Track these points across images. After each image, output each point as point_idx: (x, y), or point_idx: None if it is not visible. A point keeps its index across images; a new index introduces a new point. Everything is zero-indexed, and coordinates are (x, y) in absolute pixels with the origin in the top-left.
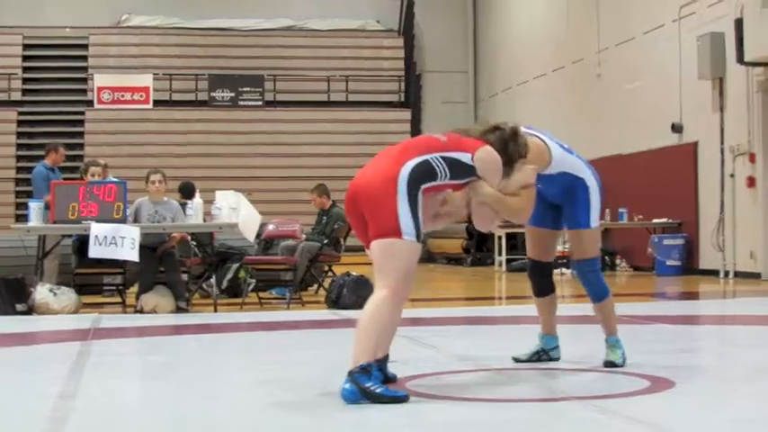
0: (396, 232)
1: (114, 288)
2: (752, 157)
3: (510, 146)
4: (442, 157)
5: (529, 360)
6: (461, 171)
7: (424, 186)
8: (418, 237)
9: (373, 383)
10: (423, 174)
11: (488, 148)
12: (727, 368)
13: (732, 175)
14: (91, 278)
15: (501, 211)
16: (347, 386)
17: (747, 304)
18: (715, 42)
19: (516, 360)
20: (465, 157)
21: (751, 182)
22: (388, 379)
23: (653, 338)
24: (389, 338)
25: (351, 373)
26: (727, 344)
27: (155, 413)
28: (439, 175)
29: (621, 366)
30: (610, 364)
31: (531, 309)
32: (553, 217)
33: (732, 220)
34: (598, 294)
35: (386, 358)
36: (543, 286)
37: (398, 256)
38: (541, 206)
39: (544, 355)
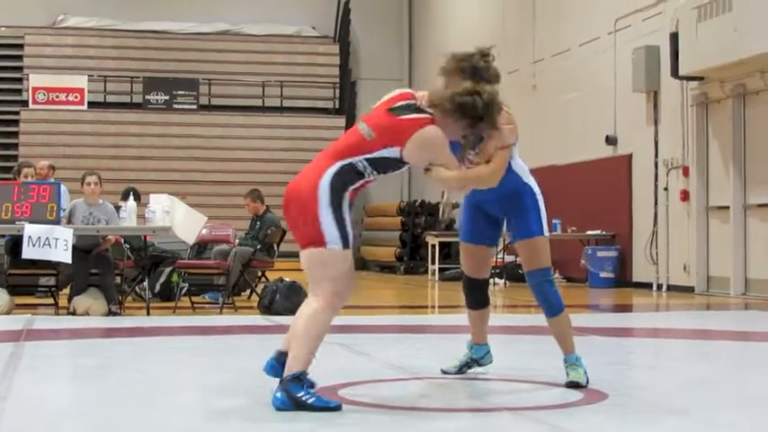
0: (320, 242)
1: (47, 289)
2: (685, 171)
3: (485, 110)
4: (367, 159)
5: (458, 372)
6: (391, 166)
7: (350, 189)
8: (346, 243)
9: (305, 393)
10: (345, 178)
11: (421, 134)
12: (661, 381)
13: (666, 189)
14: (24, 279)
15: (471, 186)
16: (278, 395)
17: (680, 317)
18: (650, 55)
19: (444, 372)
20: (394, 152)
21: (684, 195)
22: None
23: (586, 350)
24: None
25: (282, 382)
26: (660, 357)
27: (87, 416)
28: (366, 174)
29: (585, 386)
30: (573, 385)
31: (464, 318)
32: (490, 234)
33: (666, 233)
34: (554, 308)
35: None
36: (478, 300)
37: (326, 265)
38: (479, 222)
39: (474, 363)
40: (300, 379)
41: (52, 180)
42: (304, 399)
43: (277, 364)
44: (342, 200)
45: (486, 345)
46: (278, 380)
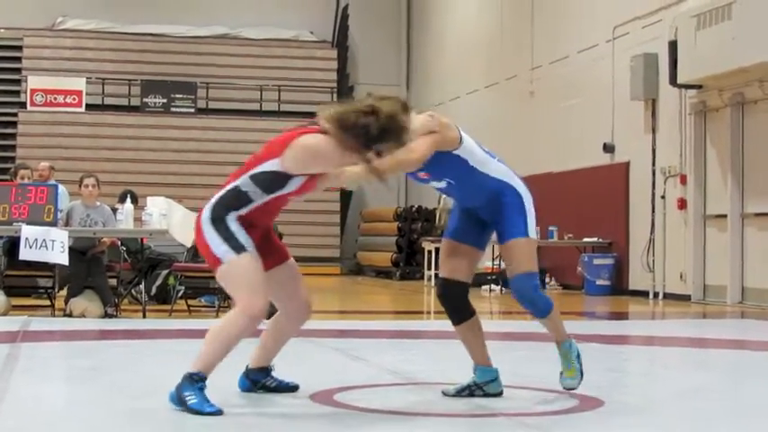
0: (216, 262)
1: (44, 291)
2: (683, 179)
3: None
4: (251, 177)
5: (457, 395)
6: (275, 182)
7: (236, 213)
8: (237, 249)
9: (191, 392)
10: (227, 207)
11: (299, 141)
12: (656, 388)
13: (663, 197)
14: (20, 280)
15: (388, 173)
16: (173, 390)
17: (676, 326)
18: (648, 63)
19: (445, 394)
20: (274, 164)
21: (682, 204)
22: (288, 387)
23: (583, 357)
24: (275, 349)
25: (182, 378)
26: (655, 364)
27: (82, 418)
28: (252, 196)
29: (576, 387)
30: (568, 387)
31: None
32: (477, 233)
33: (662, 241)
34: (542, 310)
35: (268, 369)
36: (460, 311)
37: (230, 276)
38: (467, 222)
39: (477, 389)
40: (195, 379)
41: (53, 181)
42: (186, 398)
43: (247, 379)
44: (227, 220)
45: (491, 368)
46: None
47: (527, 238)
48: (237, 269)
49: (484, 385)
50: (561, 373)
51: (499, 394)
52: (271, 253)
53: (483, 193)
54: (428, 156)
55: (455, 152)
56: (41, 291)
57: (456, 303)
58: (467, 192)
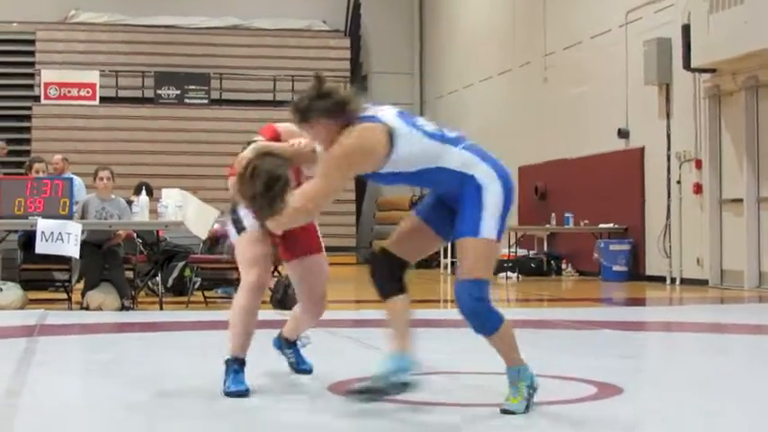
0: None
1: (60, 284)
2: (698, 164)
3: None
4: None
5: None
6: None
7: None
8: (241, 229)
9: (226, 377)
10: None
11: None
12: (675, 375)
13: (679, 182)
14: (36, 273)
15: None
16: None
17: (694, 311)
18: (662, 48)
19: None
20: None
21: (698, 188)
22: (301, 370)
23: (599, 344)
24: (297, 328)
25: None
26: (674, 351)
27: (99, 411)
28: None
29: (517, 413)
30: (506, 411)
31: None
32: (443, 220)
33: (679, 226)
34: (486, 327)
35: (291, 342)
36: (391, 283)
37: (237, 256)
38: (438, 207)
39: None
40: (227, 363)
41: (68, 173)
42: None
43: (278, 340)
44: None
45: (405, 356)
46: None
47: (478, 238)
48: (238, 247)
49: (391, 374)
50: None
51: (406, 386)
52: (295, 244)
53: (443, 186)
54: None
55: (385, 170)
56: (58, 284)
57: (389, 274)
58: (429, 185)
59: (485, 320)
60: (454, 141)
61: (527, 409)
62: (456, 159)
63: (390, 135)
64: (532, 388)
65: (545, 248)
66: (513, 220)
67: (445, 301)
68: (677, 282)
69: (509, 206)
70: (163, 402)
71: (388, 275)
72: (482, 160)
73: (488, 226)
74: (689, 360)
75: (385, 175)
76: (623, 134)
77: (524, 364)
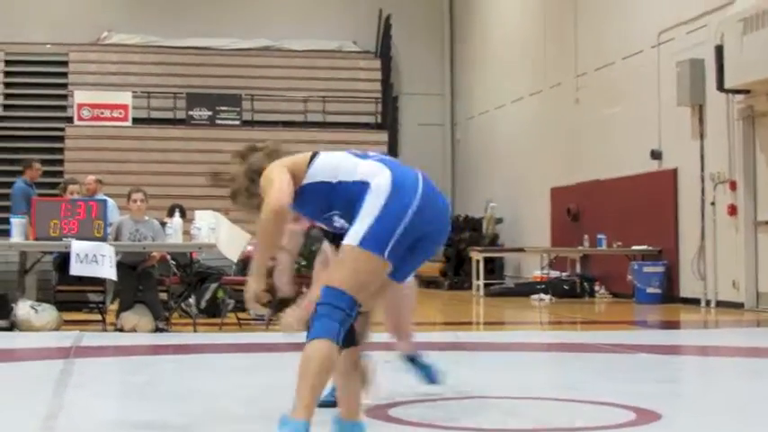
0: None
1: (95, 305)
2: (732, 185)
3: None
4: None
5: None
6: None
7: None
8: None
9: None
10: None
11: None
12: (712, 399)
13: (713, 203)
14: (71, 295)
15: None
16: None
17: (730, 334)
18: (695, 69)
19: None
20: None
21: (732, 210)
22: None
23: (635, 368)
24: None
25: None
26: (711, 374)
27: None
28: None
29: None
30: None
31: (509, 335)
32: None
33: (713, 248)
34: (313, 333)
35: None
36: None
37: None
38: None
39: None
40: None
41: (101, 195)
42: None
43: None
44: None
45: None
46: None
47: (354, 246)
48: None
49: None
50: None
51: None
52: None
53: (349, 204)
54: (284, 185)
55: (305, 182)
56: (92, 305)
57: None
58: (345, 202)
59: (323, 329)
60: (371, 156)
61: None
62: (361, 171)
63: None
64: None
65: (578, 270)
66: (545, 241)
67: (478, 323)
68: (712, 304)
69: (397, 208)
70: (198, 424)
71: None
72: (384, 169)
73: (370, 237)
74: (726, 384)
75: (306, 194)
76: (656, 155)
77: (306, 421)
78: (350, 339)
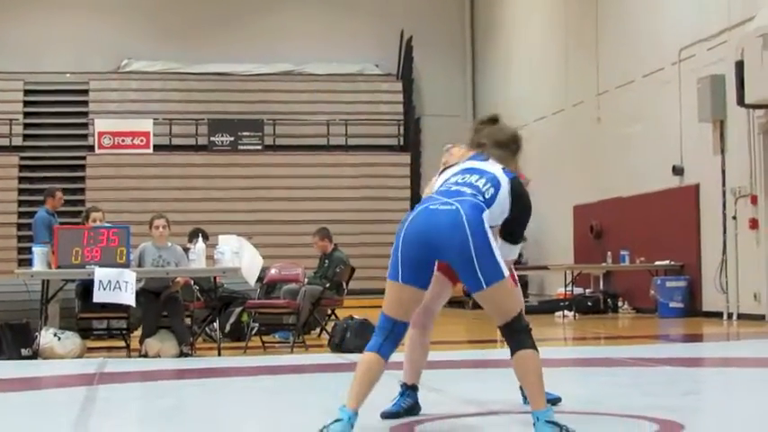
0: None
1: (118, 332)
2: (754, 199)
3: None
4: None
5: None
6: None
7: None
8: None
9: None
10: None
11: None
12: (736, 412)
13: (734, 217)
14: (95, 322)
15: None
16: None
17: (752, 346)
18: (715, 85)
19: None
20: None
21: (753, 224)
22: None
23: (658, 381)
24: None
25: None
26: (733, 386)
27: None
28: None
29: None
30: None
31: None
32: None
33: (735, 261)
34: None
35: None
36: None
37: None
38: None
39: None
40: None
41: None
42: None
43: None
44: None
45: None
46: None
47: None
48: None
49: None
50: None
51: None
52: None
53: None
54: None
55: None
56: (116, 332)
57: None
58: None
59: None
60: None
61: None
62: None
63: None
64: None
65: (601, 287)
66: (568, 259)
67: (502, 341)
68: (734, 317)
69: (398, 245)
70: None
71: None
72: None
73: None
74: (750, 396)
75: None
76: (678, 171)
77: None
78: None
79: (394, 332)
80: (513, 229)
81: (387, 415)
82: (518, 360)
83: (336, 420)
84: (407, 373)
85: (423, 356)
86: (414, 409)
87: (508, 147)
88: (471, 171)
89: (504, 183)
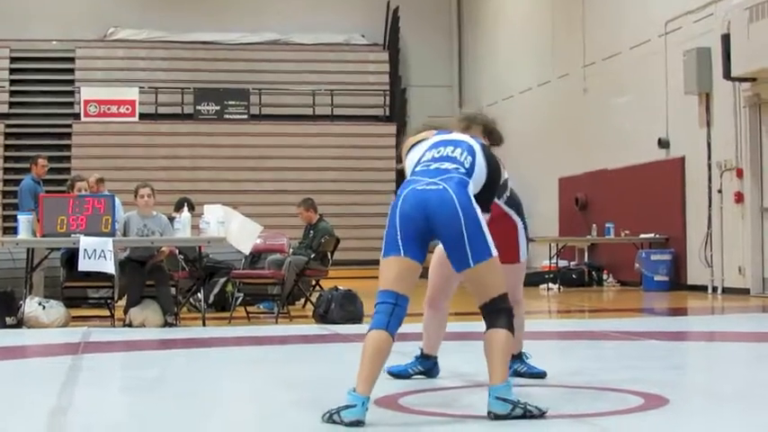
0: None
1: (103, 300)
2: (739, 173)
3: None
4: None
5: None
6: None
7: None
8: None
9: None
10: None
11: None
12: (721, 385)
13: (720, 191)
14: (78, 291)
15: None
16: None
17: (737, 320)
18: (701, 57)
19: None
20: None
21: (739, 197)
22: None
23: (643, 354)
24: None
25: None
26: (718, 360)
27: (146, 429)
28: None
29: None
30: None
31: (526, 324)
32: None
33: (720, 235)
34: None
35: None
36: None
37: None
38: None
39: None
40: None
41: (105, 193)
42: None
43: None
44: None
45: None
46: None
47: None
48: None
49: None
50: None
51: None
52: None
53: None
54: None
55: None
56: (101, 300)
57: None
58: None
59: None
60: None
61: None
62: None
63: None
64: None
65: (586, 259)
66: (553, 231)
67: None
68: (719, 291)
69: (395, 222)
70: (209, 418)
71: None
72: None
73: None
74: (734, 370)
75: None
76: (663, 144)
77: (362, 394)
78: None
79: (398, 306)
80: (484, 196)
81: (393, 373)
82: (490, 336)
83: (349, 406)
84: (425, 343)
85: (437, 331)
86: (429, 372)
87: (492, 134)
88: (445, 144)
89: (478, 148)
